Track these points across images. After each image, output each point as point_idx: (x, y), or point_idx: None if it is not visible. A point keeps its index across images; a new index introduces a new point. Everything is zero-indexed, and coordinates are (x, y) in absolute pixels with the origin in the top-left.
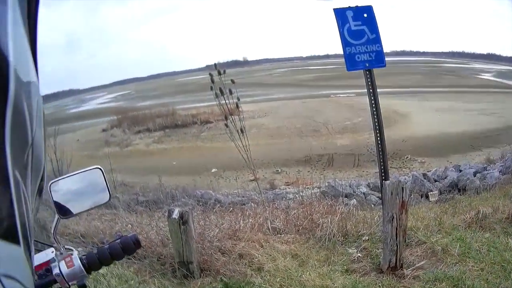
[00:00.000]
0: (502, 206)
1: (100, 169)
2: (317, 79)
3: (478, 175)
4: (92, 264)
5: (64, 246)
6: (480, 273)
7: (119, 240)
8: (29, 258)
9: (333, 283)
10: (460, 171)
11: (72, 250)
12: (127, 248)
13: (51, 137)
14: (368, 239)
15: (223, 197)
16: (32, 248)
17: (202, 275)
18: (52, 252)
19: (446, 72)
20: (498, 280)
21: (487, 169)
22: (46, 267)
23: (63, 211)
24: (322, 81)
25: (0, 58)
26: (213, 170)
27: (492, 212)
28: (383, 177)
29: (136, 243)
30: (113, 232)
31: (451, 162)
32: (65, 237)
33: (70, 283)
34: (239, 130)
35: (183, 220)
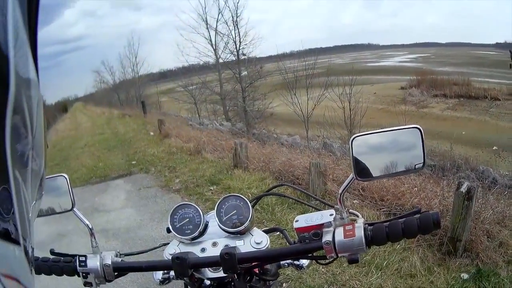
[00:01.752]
0: None
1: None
2: None
3: None
4: (377, 238)
5: (348, 210)
6: None
7: (417, 215)
8: (29, 258)
9: None
10: None
11: (357, 216)
12: (425, 226)
13: (347, 85)
14: None
15: (499, 178)
16: (32, 248)
17: (463, 255)
18: (331, 215)
19: None
20: None
21: None
22: (316, 230)
23: (362, 170)
24: None
25: (0, 57)
26: (494, 147)
27: None
28: None
29: (436, 224)
30: (397, 191)
31: None
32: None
33: (340, 255)
34: None
35: (468, 195)
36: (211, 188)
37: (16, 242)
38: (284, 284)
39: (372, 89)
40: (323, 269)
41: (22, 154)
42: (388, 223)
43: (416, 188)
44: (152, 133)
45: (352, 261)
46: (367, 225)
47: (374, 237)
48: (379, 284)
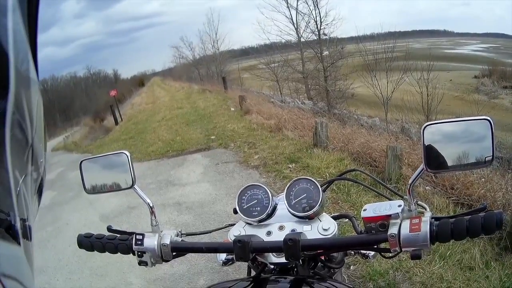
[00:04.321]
0: None
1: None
2: None
3: None
4: (441, 234)
5: (417, 202)
6: None
7: (482, 213)
8: (29, 258)
9: None
10: None
11: (424, 209)
12: (488, 226)
13: (424, 71)
14: None
15: None
16: (32, 248)
17: None
18: (399, 206)
19: None
20: None
21: None
22: (383, 221)
23: (434, 161)
24: None
25: (0, 57)
26: None
27: None
28: None
29: (499, 224)
30: (466, 181)
31: None
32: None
33: (403, 249)
34: None
35: None
36: (290, 166)
37: (16, 242)
38: (351, 267)
39: (448, 76)
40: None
41: (22, 154)
42: (453, 219)
43: (483, 179)
44: (233, 109)
45: (415, 257)
46: (433, 219)
47: (439, 234)
48: (440, 274)
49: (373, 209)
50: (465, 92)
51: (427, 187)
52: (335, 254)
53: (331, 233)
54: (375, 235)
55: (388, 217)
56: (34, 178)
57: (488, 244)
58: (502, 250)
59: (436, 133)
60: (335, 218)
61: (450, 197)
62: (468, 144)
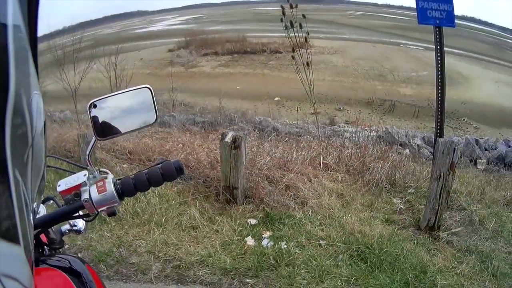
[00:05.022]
0: None
1: (149, 88)
2: (390, 27)
3: None
4: (126, 190)
5: (99, 169)
6: (507, 257)
7: (160, 165)
8: (29, 257)
9: (371, 231)
10: (509, 146)
11: (107, 173)
12: (168, 174)
13: (113, 55)
14: (413, 192)
15: (281, 126)
16: (32, 247)
17: (245, 201)
18: (85, 175)
19: (510, 47)
20: None
21: None
22: (76, 191)
23: (103, 131)
24: (395, 30)
25: (0, 57)
26: (276, 98)
27: None
28: (438, 134)
29: (179, 170)
30: (163, 150)
31: (502, 135)
32: (111, 154)
33: (99, 210)
34: (305, 64)
35: (235, 144)
36: None
37: (16, 242)
38: (79, 254)
39: (139, 55)
40: (108, 234)
41: (22, 154)
42: (133, 175)
43: (181, 145)
44: None
45: (111, 214)
46: (116, 179)
47: (124, 190)
48: (163, 239)
49: (65, 183)
50: (158, 67)
51: (124, 165)
52: (53, 236)
53: (40, 216)
54: (73, 204)
55: (79, 186)
56: (34, 178)
57: (205, 202)
58: (224, 204)
59: (105, 107)
60: (42, 202)
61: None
62: (135, 110)
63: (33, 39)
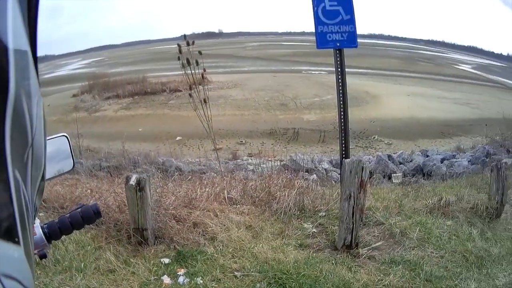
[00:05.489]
0: (467, 195)
1: (66, 136)
2: (291, 54)
3: (445, 162)
4: (53, 233)
5: None
6: (440, 260)
7: (79, 209)
8: (29, 258)
9: (285, 257)
10: (427, 156)
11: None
12: (88, 217)
13: None
14: (325, 215)
15: (183, 165)
16: (32, 248)
17: (156, 242)
18: None
19: (423, 59)
20: (459, 269)
21: (456, 157)
22: None
23: None
24: (296, 57)
25: (0, 57)
26: (178, 138)
27: (456, 200)
28: (344, 155)
29: (97, 213)
30: (73, 197)
31: (419, 147)
32: None
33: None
34: (202, 100)
35: (140, 186)
36: None
37: (16, 242)
38: None
39: (46, 101)
40: (36, 282)
41: (22, 154)
42: (58, 220)
43: (89, 190)
44: None
45: (42, 256)
46: (43, 224)
47: (51, 233)
48: (85, 284)
49: None
50: (64, 113)
51: (41, 214)
52: None
53: None
54: None
55: None
56: (34, 178)
57: (119, 245)
58: (137, 246)
59: None
60: None
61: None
62: (53, 157)
63: (33, 39)
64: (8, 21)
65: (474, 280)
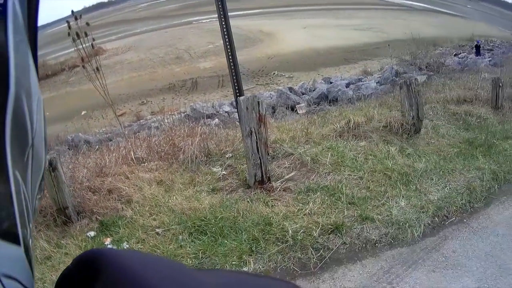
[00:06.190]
0: (378, 115)
1: None
2: (181, 8)
3: (351, 86)
4: None
5: None
6: (360, 182)
7: None
8: (29, 258)
9: (200, 204)
10: (331, 83)
11: None
12: None
13: None
14: (232, 156)
15: (92, 137)
16: (32, 248)
17: (79, 217)
18: None
19: None
20: (382, 188)
21: (362, 80)
22: None
23: None
24: (186, 10)
25: (0, 57)
26: (83, 112)
27: (366, 121)
28: (238, 94)
29: None
30: None
31: (322, 76)
32: None
33: None
34: (95, 70)
35: (52, 167)
36: None
37: (16, 242)
38: None
39: None
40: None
41: (22, 154)
42: None
43: None
44: None
45: None
46: None
47: None
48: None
49: None
50: None
51: None
52: None
53: None
54: None
55: None
56: (34, 178)
57: (48, 230)
58: (63, 227)
59: None
60: None
61: None
62: None
63: (33, 39)
64: (8, 21)
65: (403, 197)
